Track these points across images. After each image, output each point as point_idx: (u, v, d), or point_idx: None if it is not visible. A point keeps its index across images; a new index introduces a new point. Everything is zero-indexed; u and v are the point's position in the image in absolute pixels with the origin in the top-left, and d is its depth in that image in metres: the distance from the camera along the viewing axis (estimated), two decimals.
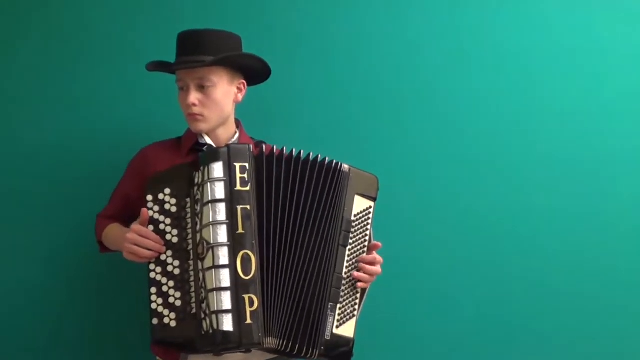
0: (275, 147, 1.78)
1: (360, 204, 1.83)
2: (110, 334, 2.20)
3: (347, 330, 1.79)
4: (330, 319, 1.76)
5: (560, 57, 2.32)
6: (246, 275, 1.69)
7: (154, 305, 1.74)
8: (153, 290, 1.75)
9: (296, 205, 1.77)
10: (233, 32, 1.90)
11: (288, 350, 1.74)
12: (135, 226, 1.76)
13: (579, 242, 2.32)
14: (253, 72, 1.93)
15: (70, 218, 2.18)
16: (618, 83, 2.33)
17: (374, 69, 2.28)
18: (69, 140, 2.19)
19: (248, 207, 1.71)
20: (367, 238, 1.84)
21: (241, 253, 1.69)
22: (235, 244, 1.69)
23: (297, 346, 1.74)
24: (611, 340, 2.32)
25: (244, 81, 1.93)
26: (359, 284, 1.81)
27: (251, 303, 1.68)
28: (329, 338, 1.75)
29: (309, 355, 1.75)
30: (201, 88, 1.85)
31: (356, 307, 1.81)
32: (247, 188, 1.72)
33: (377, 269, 1.83)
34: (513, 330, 2.30)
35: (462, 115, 2.30)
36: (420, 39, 2.29)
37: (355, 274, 1.79)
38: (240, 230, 1.70)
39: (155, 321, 1.73)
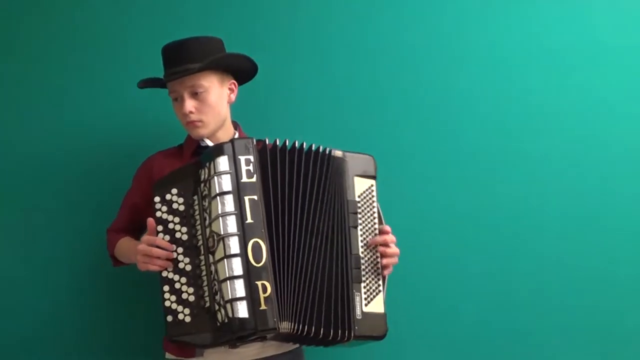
0: (274, 141, 1.82)
1: (361, 184, 1.88)
2: (118, 334, 2.20)
3: (377, 306, 1.82)
4: (357, 299, 1.79)
5: (558, 58, 2.33)
6: (257, 262, 1.71)
7: (167, 303, 1.75)
8: (166, 288, 1.76)
9: (302, 194, 1.81)
10: (213, 36, 1.95)
11: (320, 336, 1.76)
12: (145, 237, 1.79)
13: (581, 245, 2.29)
14: (241, 70, 1.99)
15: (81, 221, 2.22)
16: (622, 83, 2.34)
17: (370, 67, 2.31)
18: (71, 145, 2.24)
19: (255, 197, 1.75)
20: (375, 216, 1.89)
21: (251, 241, 1.71)
22: (245, 233, 1.71)
23: (331, 331, 1.76)
24: (613, 345, 2.28)
25: (234, 81, 1.99)
26: (385, 272, 1.87)
27: (264, 289, 1.70)
28: (360, 317, 1.79)
29: (345, 339, 1.77)
30: (194, 95, 1.90)
31: (380, 282, 1.85)
32: (253, 179, 1.76)
33: (394, 248, 1.88)
34: (514, 334, 2.27)
35: (461, 115, 2.30)
36: (417, 38, 2.32)
37: (384, 261, 1.86)
38: (249, 220, 1.72)
39: (169, 318, 1.74)
